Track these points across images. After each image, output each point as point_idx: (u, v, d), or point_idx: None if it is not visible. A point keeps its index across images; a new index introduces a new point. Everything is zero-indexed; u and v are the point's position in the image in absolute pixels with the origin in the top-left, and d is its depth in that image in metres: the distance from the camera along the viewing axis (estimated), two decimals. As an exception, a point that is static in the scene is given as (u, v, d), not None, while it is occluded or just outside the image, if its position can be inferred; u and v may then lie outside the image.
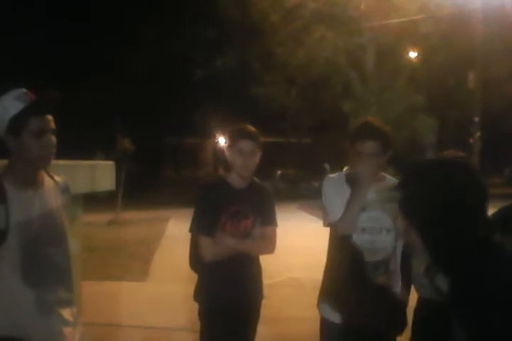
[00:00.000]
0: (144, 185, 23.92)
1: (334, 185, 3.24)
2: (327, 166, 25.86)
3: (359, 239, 3.11)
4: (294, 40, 22.92)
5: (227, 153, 3.45)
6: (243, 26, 23.51)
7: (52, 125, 2.51)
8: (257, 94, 24.44)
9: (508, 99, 22.83)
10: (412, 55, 24.50)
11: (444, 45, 21.68)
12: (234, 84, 24.69)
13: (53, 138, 2.50)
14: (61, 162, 3.45)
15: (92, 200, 7.14)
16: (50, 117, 2.50)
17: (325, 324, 3.23)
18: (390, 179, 3.26)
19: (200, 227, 3.39)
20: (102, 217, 14.75)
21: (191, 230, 3.44)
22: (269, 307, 3.70)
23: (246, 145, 3.37)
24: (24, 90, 2.51)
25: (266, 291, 3.57)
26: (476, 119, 21.10)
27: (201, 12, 24.30)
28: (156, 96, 26.99)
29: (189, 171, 29.93)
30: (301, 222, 14.34)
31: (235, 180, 3.45)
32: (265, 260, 3.57)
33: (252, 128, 3.45)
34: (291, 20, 22.95)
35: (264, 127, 20.73)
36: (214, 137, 30.37)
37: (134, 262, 9.81)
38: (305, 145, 32.58)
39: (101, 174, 4.36)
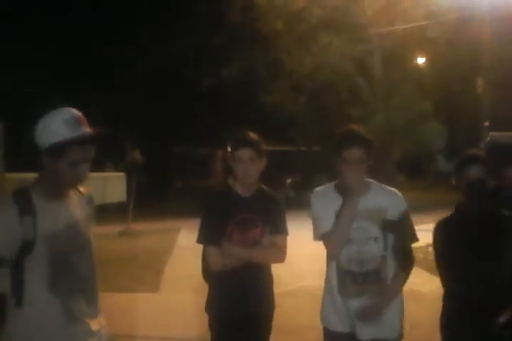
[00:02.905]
0: (155, 195, 23.93)
1: (322, 198, 3.25)
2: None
3: (347, 249, 3.11)
4: (300, 47, 22.96)
5: (231, 161, 3.46)
6: (249, 34, 23.57)
7: (91, 154, 2.53)
8: (264, 103, 24.45)
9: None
10: (420, 60, 24.49)
11: (451, 49, 21.64)
12: (241, 92, 24.71)
13: (87, 167, 2.54)
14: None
15: (103, 212, 7.14)
16: (91, 147, 2.52)
17: (328, 334, 3.24)
18: (376, 185, 3.26)
19: (207, 237, 3.37)
20: (112, 228, 14.75)
21: (199, 241, 3.42)
22: (281, 316, 3.68)
23: (244, 153, 3.36)
24: (75, 114, 2.50)
25: (278, 300, 3.55)
26: (486, 124, 21.00)
27: (207, 21, 24.39)
28: (164, 106, 27.06)
29: (199, 181, 29.98)
30: (311, 231, 14.25)
31: (240, 188, 3.44)
32: (276, 269, 3.55)
33: (252, 136, 3.43)
34: (297, 27, 23.01)
35: (273, 136, 20.72)
36: (223, 146, 30.43)
37: (146, 273, 9.79)
38: (314, 153, 32.54)
39: (111, 185, 4.39)
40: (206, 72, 24.47)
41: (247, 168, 3.37)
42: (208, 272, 3.46)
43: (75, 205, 2.64)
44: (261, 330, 3.44)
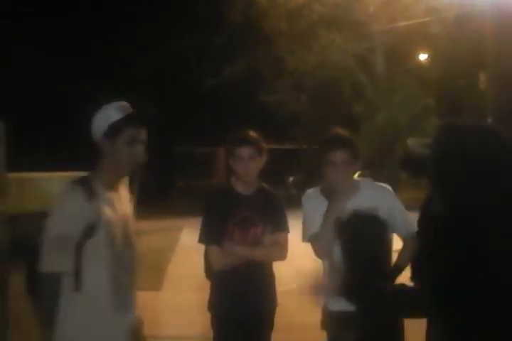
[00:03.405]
0: (157, 194, 23.93)
1: (312, 200, 3.27)
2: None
3: (337, 248, 3.08)
4: (302, 45, 22.93)
5: (230, 160, 3.45)
6: (250, 33, 23.54)
7: (144, 136, 2.74)
8: (267, 101, 24.44)
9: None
10: (422, 56, 24.43)
11: (453, 45, 21.58)
12: (243, 91, 24.69)
13: (142, 149, 2.73)
14: (76, 173, 3.51)
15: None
16: (143, 129, 2.73)
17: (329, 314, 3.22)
18: (365, 183, 3.27)
19: (208, 237, 3.37)
20: (115, 227, 14.73)
21: (200, 240, 3.42)
22: (283, 315, 3.67)
23: (244, 151, 3.36)
24: (124, 103, 2.75)
25: (280, 298, 3.54)
26: (490, 120, 20.96)
27: (207, 20, 24.36)
28: (165, 106, 27.05)
29: (201, 180, 29.97)
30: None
31: (240, 186, 3.44)
32: (278, 267, 3.54)
33: (251, 134, 3.44)
34: (298, 25, 22.98)
35: (276, 134, 20.68)
36: (224, 145, 30.22)
37: (149, 271, 9.77)
38: (317, 151, 32.49)
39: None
40: (207, 72, 24.44)
41: (246, 166, 3.36)
42: (209, 271, 3.45)
43: (125, 199, 2.80)
44: (263, 328, 3.44)
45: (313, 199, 3.26)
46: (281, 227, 3.45)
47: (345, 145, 3.14)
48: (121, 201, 2.76)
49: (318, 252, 3.19)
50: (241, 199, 3.41)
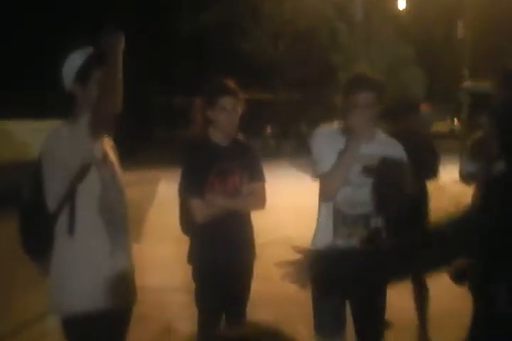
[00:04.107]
0: (135, 145, 23.75)
1: (325, 138, 3.19)
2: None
3: (342, 191, 3.07)
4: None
5: (208, 110, 3.35)
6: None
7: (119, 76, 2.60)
8: (244, 49, 24.10)
9: (497, 49, 22.60)
10: (401, 5, 24.13)
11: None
12: (220, 39, 24.29)
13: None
14: (45, 123, 3.46)
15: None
16: (115, 69, 2.58)
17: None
18: (380, 132, 3.22)
19: (189, 189, 3.34)
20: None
21: (180, 193, 3.39)
22: (262, 266, 3.69)
23: (228, 101, 3.30)
24: (92, 48, 2.71)
25: (258, 250, 3.55)
26: (466, 70, 20.95)
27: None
28: (141, 53, 26.52)
29: (180, 131, 29.73)
30: (292, 179, 14.31)
31: (219, 137, 3.39)
32: (256, 218, 3.54)
33: (231, 83, 3.36)
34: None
35: (253, 83, 20.45)
36: (201, 95, 29.88)
37: (128, 223, 9.79)
38: (294, 101, 32.38)
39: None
40: (184, 17, 23.93)
41: (230, 117, 3.31)
42: (190, 223, 3.43)
43: (108, 146, 2.77)
44: (243, 277, 3.48)
45: (326, 138, 3.18)
46: (258, 177, 3.43)
47: (371, 87, 3.02)
48: (106, 147, 2.74)
49: (328, 191, 3.10)
50: (219, 150, 3.38)
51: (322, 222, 3.18)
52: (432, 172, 4.53)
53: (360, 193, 3.05)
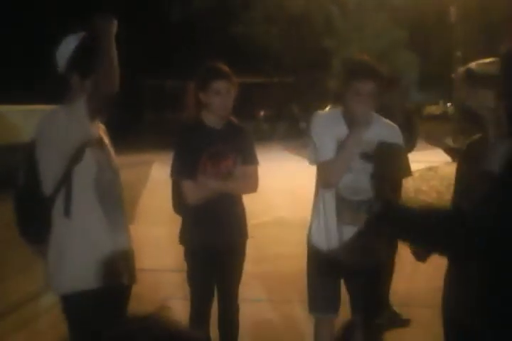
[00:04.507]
0: (126, 128, 23.67)
1: (325, 123, 3.19)
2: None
3: (344, 177, 3.10)
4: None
5: (201, 93, 3.37)
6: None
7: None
8: (236, 34, 23.99)
9: (489, 33, 22.58)
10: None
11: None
12: (213, 23, 24.14)
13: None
14: (36, 107, 3.47)
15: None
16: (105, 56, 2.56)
17: (313, 251, 3.26)
18: (377, 117, 3.22)
19: (181, 172, 3.37)
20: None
21: (172, 175, 3.43)
22: (256, 247, 3.76)
23: (222, 85, 3.31)
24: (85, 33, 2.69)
25: (252, 231, 3.60)
26: (459, 54, 20.93)
27: None
28: (132, 36, 26.30)
29: (172, 114, 29.62)
30: (286, 162, 14.36)
31: (212, 121, 3.41)
32: (251, 200, 3.58)
33: (224, 67, 3.38)
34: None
35: (246, 67, 20.39)
36: (195, 78, 29.70)
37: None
38: (288, 85, 32.31)
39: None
40: (177, 2, 23.76)
41: (224, 100, 3.33)
42: (180, 205, 3.47)
43: (101, 130, 2.77)
44: (235, 258, 3.52)
45: (326, 122, 3.18)
46: (251, 160, 3.46)
47: (372, 76, 3.02)
48: (101, 131, 2.75)
49: (330, 179, 3.12)
50: (212, 133, 3.40)
51: (321, 208, 3.19)
52: (409, 146, 4.60)
53: (362, 179, 3.09)
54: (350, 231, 3.10)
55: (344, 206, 3.12)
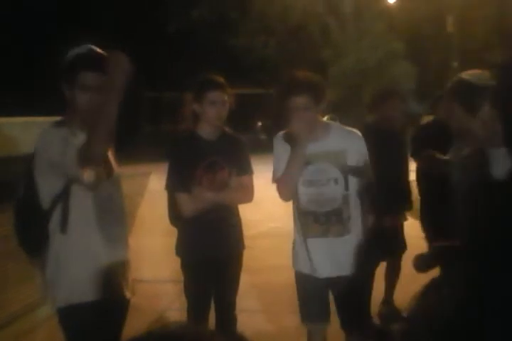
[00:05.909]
0: (123, 140, 23.69)
1: (281, 142, 3.22)
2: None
3: (307, 191, 3.13)
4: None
5: (196, 105, 3.39)
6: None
7: (94, 81, 2.55)
8: (234, 45, 24.07)
9: (486, 44, 22.68)
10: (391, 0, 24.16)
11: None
12: (211, 35, 24.23)
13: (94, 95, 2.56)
14: (35, 119, 3.46)
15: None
16: (101, 74, 2.47)
17: (299, 276, 3.29)
18: (335, 127, 3.24)
19: (176, 184, 3.38)
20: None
21: (167, 187, 3.43)
22: (253, 258, 3.76)
23: (217, 95, 3.33)
24: (86, 47, 2.66)
25: (249, 242, 3.61)
26: (455, 64, 21.01)
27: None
28: (131, 49, 26.36)
29: (169, 125, 29.67)
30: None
31: (206, 132, 3.43)
32: (246, 211, 3.59)
33: (219, 78, 3.41)
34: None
35: (243, 78, 20.40)
36: (192, 90, 29.74)
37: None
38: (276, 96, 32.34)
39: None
40: (174, 14, 23.84)
41: (219, 110, 3.35)
42: (176, 217, 3.48)
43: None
44: (232, 269, 3.53)
45: (282, 142, 3.23)
46: (246, 170, 3.48)
47: (304, 91, 3.01)
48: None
49: (282, 195, 3.21)
50: (207, 144, 3.41)
51: (295, 222, 3.27)
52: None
53: (325, 190, 3.11)
54: (321, 245, 3.14)
55: (310, 219, 3.15)
